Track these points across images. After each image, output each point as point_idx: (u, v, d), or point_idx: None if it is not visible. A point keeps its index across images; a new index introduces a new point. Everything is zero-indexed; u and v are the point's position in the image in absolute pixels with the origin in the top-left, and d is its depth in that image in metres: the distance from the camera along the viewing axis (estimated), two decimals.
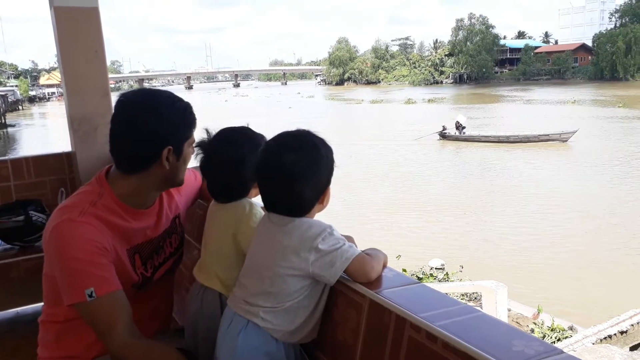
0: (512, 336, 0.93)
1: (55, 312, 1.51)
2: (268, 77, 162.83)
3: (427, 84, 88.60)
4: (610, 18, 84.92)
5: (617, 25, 79.57)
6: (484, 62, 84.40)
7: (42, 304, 1.57)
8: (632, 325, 7.23)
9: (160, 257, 1.67)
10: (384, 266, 1.27)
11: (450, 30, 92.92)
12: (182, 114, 1.51)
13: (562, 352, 0.87)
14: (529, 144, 24.81)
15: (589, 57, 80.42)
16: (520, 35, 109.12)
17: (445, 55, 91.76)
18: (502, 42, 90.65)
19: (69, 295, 1.37)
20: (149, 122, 1.44)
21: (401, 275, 1.25)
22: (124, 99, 1.49)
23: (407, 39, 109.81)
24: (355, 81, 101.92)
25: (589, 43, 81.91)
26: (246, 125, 1.58)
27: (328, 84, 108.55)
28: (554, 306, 8.53)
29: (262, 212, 1.45)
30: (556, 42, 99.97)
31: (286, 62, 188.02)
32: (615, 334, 7.04)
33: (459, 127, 27.17)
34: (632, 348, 7.15)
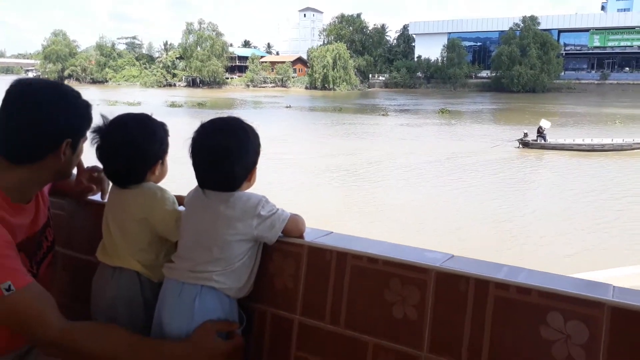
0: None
1: None
2: None
3: (160, 86, 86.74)
4: (319, 36, 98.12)
5: (325, 42, 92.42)
6: (215, 67, 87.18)
7: None
8: None
9: (40, 252, 1.61)
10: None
11: (180, 33, 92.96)
12: (86, 110, 1.52)
13: None
14: (620, 152, 22.55)
15: (305, 69, 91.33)
16: (246, 44, 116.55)
17: (177, 58, 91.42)
18: (230, 49, 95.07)
19: None
20: (55, 112, 1.42)
21: (317, 230, 1.60)
22: (25, 85, 1.42)
23: (134, 38, 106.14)
24: (78, 79, 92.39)
25: (305, 56, 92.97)
26: (147, 114, 1.67)
27: None
28: None
29: (173, 196, 1.60)
30: (277, 53, 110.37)
31: None
32: None
33: (541, 133, 24.70)
34: None
